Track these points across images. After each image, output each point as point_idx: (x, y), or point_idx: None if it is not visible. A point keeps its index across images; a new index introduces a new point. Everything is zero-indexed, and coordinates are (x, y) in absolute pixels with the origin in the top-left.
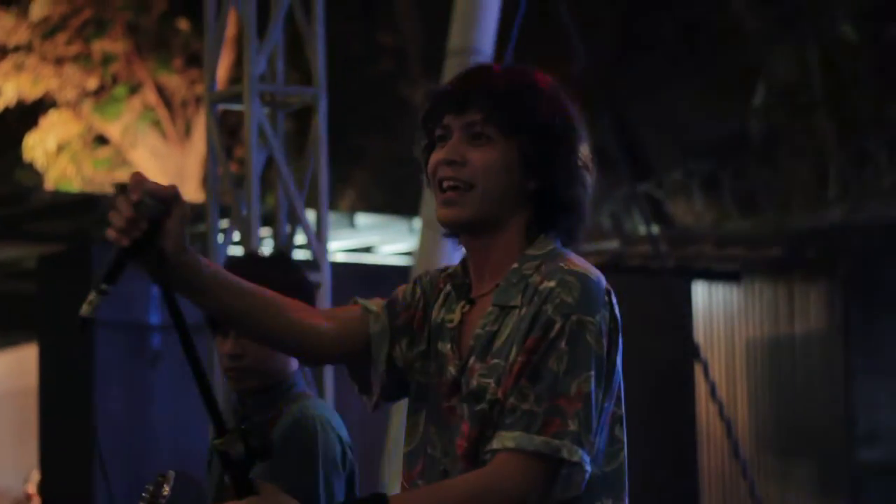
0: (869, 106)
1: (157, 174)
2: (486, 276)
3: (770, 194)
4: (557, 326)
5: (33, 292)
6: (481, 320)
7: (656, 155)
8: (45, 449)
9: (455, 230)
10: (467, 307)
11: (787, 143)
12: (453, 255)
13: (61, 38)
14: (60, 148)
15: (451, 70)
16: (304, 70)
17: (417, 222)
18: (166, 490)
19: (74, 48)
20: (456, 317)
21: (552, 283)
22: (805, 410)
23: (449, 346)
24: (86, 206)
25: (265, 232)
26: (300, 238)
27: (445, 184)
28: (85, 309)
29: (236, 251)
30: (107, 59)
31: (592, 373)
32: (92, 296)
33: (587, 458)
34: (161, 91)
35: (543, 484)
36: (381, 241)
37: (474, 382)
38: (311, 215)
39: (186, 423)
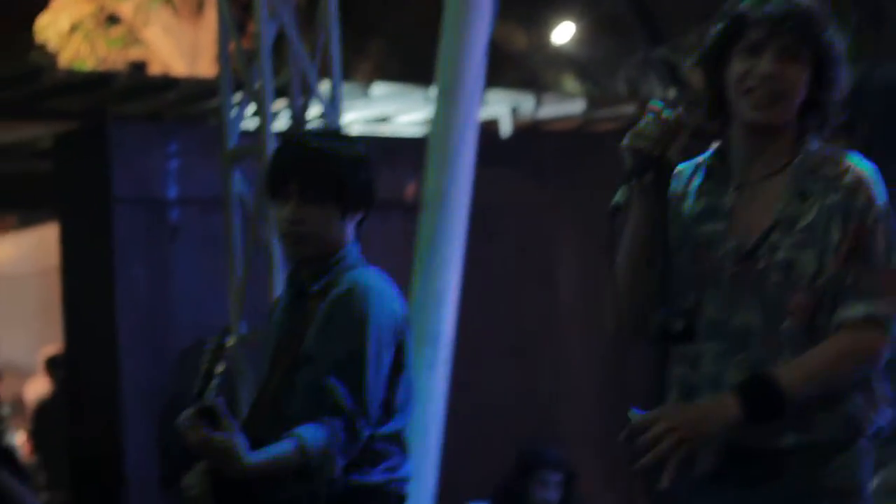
0: None
1: (171, 51)
2: (756, 167)
3: None
4: (873, 213)
5: (51, 171)
6: (778, 203)
7: (671, 18)
8: (69, 327)
9: (758, 128)
10: (736, 192)
11: None
12: (467, 124)
13: None
14: (73, 28)
15: None
16: None
17: (433, 91)
18: (231, 341)
19: None
20: (730, 200)
21: (855, 178)
22: None
23: (724, 224)
24: (100, 83)
25: (279, 105)
26: (314, 110)
27: (760, 91)
28: (619, 196)
29: (251, 124)
30: None
31: None
32: (623, 189)
33: None
34: None
35: (890, 343)
36: (397, 110)
37: (782, 254)
38: (324, 87)
39: (206, 297)
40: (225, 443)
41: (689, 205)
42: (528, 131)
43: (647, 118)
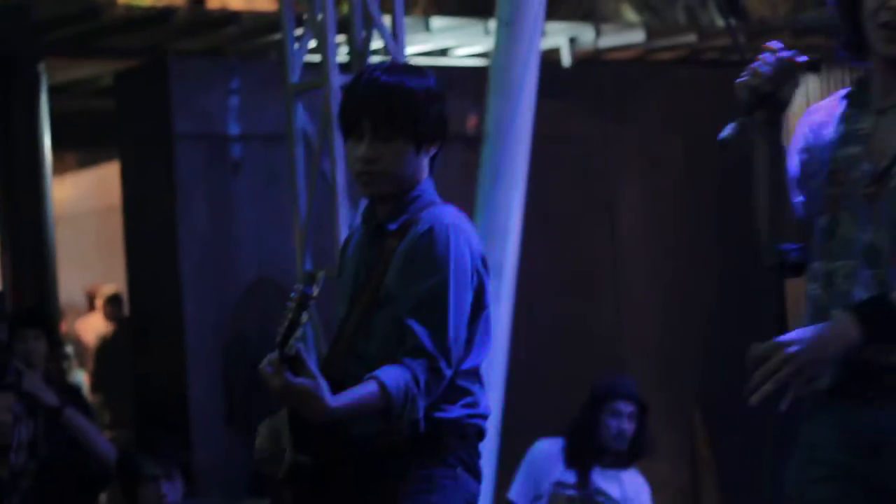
0: None
1: None
2: (894, 93)
3: None
4: None
5: (111, 109)
6: None
7: None
8: (131, 266)
9: (893, 59)
10: (876, 118)
11: None
12: (529, 55)
13: None
14: None
15: None
16: None
17: (492, 24)
18: (315, 291)
19: None
20: (869, 125)
21: None
22: None
23: (860, 148)
24: (159, 19)
25: (340, 38)
26: (376, 43)
27: (894, 24)
28: (728, 134)
29: (312, 58)
30: None
31: None
32: (732, 126)
33: None
34: None
35: None
36: (457, 43)
37: None
38: (386, 20)
39: (268, 232)
40: (308, 387)
41: (830, 131)
42: (588, 61)
43: (764, 58)
